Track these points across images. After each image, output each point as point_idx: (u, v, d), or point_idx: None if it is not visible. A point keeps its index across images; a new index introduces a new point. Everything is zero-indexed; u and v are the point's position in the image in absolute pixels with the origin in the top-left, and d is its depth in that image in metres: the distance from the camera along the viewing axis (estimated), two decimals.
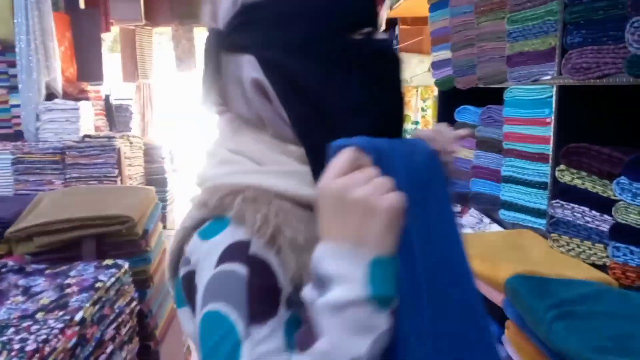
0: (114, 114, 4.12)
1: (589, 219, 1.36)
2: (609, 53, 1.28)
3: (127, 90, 5.06)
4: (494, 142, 1.88)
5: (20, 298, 1.49)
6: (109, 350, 1.57)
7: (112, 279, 1.66)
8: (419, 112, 3.45)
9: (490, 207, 1.92)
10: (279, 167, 0.64)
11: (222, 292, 0.56)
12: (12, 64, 3.23)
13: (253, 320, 0.54)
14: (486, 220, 1.96)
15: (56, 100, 3.26)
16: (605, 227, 1.31)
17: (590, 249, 1.37)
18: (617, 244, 1.27)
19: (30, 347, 1.22)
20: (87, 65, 3.73)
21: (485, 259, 1.43)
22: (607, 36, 1.29)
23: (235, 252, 0.58)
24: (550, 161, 1.54)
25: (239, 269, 0.57)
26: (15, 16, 3.10)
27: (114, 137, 3.24)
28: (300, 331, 0.53)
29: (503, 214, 1.79)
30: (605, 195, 1.30)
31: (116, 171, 3.16)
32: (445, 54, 2.29)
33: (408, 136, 0.66)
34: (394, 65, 0.68)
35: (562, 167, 1.44)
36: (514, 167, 1.73)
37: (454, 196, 0.62)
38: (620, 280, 1.27)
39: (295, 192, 0.62)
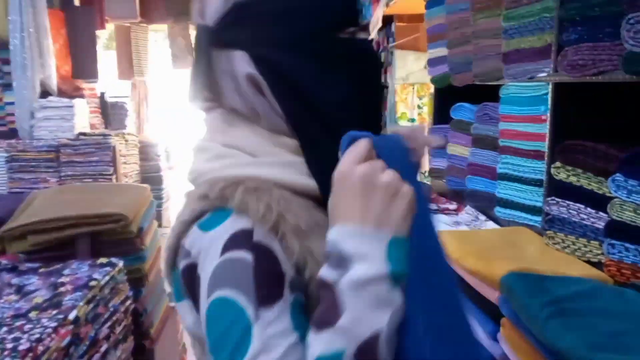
0: (109, 112, 4.10)
1: (585, 216, 1.36)
2: (605, 50, 1.28)
3: (122, 88, 5.03)
4: (490, 139, 1.88)
5: (13, 297, 1.48)
6: (103, 349, 1.56)
7: (107, 278, 1.65)
8: (416, 109, 3.45)
9: (486, 204, 1.92)
10: (274, 158, 0.67)
11: (230, 279, 0.58)
12: (7, 62, 3.21)
13: (261, 303, 0.56)
14: (482, 217, 1.96)
15: (51, 98, 3.24)
16: (600, 224, 1.31)
17: (585, 246, 1.37)
18: (613, 241, 1.27)
19: (23, 346, 1.21)
20: (82, 62, 3.71)
21: (481, 257, 1.43)
22: (603, 33, 1.28)
23: (240, 240, 0.59)
24: (545, 158, 1.54)
25: (245, 255, 0.58)
26: (9, 13, 3.08)
27: (109, 135, 3.23)
28: (317, 311, 0.55)
29: (499, 211, 1.79)
30: (600, 192, 1.30)
31: (111, 169, 3.15)
32: (442, 51, 2.29)
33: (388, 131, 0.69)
34: (374, 64, 0.74)
35: (557, 164, 1.44)
36: (509, 165, 1.73)
37: (429, 192, 0.66)
38: (615, 278, 1.27)
39: (293, 181, 0.65)
